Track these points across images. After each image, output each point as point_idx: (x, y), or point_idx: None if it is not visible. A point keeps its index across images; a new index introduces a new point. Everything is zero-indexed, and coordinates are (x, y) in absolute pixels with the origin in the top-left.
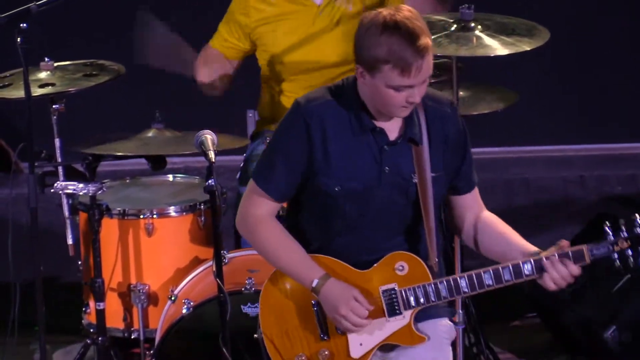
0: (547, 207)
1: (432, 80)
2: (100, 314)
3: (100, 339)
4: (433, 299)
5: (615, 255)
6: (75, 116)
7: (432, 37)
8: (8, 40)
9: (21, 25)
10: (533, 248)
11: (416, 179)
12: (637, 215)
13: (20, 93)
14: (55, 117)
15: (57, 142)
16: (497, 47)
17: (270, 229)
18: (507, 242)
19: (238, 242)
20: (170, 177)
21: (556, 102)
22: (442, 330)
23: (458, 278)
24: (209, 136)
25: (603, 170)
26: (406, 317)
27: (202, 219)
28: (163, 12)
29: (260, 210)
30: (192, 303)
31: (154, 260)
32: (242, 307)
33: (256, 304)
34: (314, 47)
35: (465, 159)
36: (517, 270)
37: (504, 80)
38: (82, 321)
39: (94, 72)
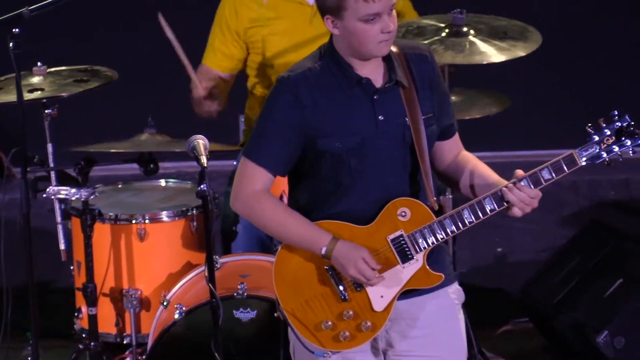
0: (539, 211)
1: None
2: (93, 319)
3: (92, 344)
4: (442, 236)
5: (604, 153)
6: (68, 121)
7: (426, 42)
8: (1, 45)
9: (13, 30)
10: (499, 178)
11: (409, 122)
12: (615, 111)
13: (10, 97)
14: (47, 122)
15: (49, 147)
16: (492, 53)
17: (270, 203)
18: (483, 178)
19: (228, 247)
20: (162, 182)
21: (549, 106)
22: (453, 297)
23: (460, 210)
24: (201, 141)
25: (596, 175)
26: (419, 260)
27: (194, 223)
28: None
29: (256, 186)
30: (184, 308)
31: (146, 265)
32: (234, 312)
33: (248, 309)
34: (309, 49)
35: (447, 102)
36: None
37: (497, 85)
38: (75, 326)
39: (85, 78)
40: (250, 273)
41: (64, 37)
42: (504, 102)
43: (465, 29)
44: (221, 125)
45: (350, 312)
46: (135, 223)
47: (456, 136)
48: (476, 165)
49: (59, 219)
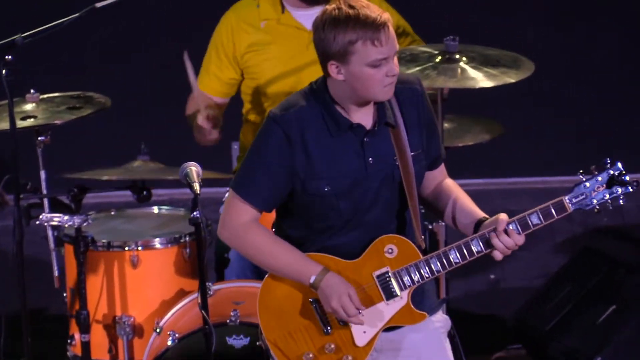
0: (532, 238)
1: None
2: (86, 346)
3: None
4: (427, 275)
5: (594, 201)
6: (61, 148)
7: (418, 68)
8: None
9: (6, 57)
10: (482, 214)
11: (398, 161)
12: (607, 159)
13: (2, 125)
14: (40, 149)
15: (42, 174)
16: (482, 78)
17: (259, 233)
18: (459, 208)
19: (221, 274)
20: (155, 209)
21: (541, 134)
22: (438, 325)
23: (447, 250)
24: (194, 168)
25: None
26: (404, 297)
27: (187, 250)
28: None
29: (245, 218)
30: (177, 335)
31: (139, 292)
32: (227, 338)
33: (241, 336)
34: (306, 75)
35: (436, 135)
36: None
37: (489, 112)
38: (68, 353)
39: (78, 105)
40: (243, 300)
41: (57, 64)
42: (496, 129)
43: (457, 56)
44: (214, 152)
45: (332, 346)
46: (128, 250)
47: (442, 166)
48: (459, 197)
49: (52, 245)
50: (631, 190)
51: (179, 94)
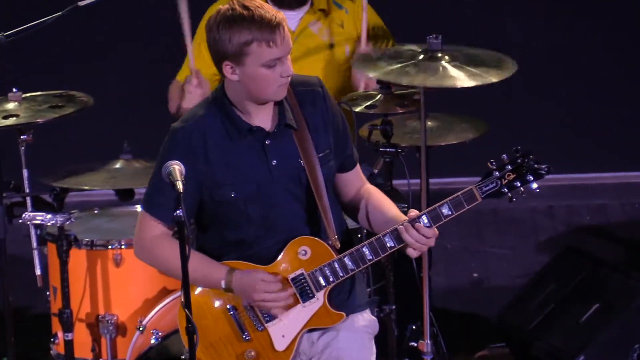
0: (515, 237)
1: (400, 111)
2: (69, 344)
3: None
4: (341, 274)
5: (505, 189)
6: (43, 146)
7: (399, 65)
8: None
9: None
10: (403, 217)
11: (303, 163)
12: (518, 147)
13: None
14: (23, 147)
15: (25, 172)
16: (463, 78)
17: (167, 245)
18: (379, 212)
19: None
20: (138, 208)
21: (525, 132)
22: (362, 324)
23: (360, 247)
24: (176, 167)
25: (572, 201)
26: (320, 298)
27: None
28: None
29: (154, 232)
30: (160, 333)
31: (123, 291)
32: None
33: None
34: None
35: (345, 135)
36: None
37: (474, 110)
38: (51, 352)
39: (61, 104)
40: None
41: (39, 62)
42: (480, 128)
43: (440, 54)
44: None
45: (252, 353)
46: (112, 249)
47: (357, 169)
48: (374, 198)
49: (34, 244)
50: (544, 174)
51: (161, 92)
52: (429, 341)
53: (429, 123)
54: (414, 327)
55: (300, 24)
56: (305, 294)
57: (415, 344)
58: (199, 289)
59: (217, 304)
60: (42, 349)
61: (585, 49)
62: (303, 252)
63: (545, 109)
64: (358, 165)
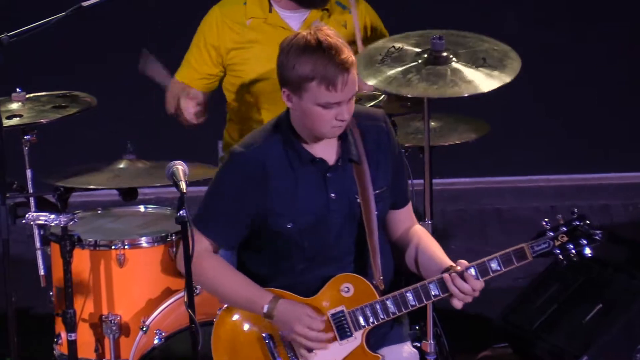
0: (518, 237)
1: (404, 112)
2: (72, 344)
3: None
4: (382, 317)
5: (557, 251)
6: (47, 147)
7: (402, 69)
8: None
9: None
10: (449, 262)
11: (359, 199)
12: (574, 209)
13: None
14: (26, 148)
15: (28, 173)
16: (464, 88)
17: (212, 262)
18: (427, 256)
19: None
20: (141, 208)
21: (528, 133)
22: (404, 356)
23: (404, 292)
24: (180, 167)
25: (574, 201)
26: (358, 337)
27: (174, 249)
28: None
29: (200, 248)
30: (163, 334)
31: (126, 291)
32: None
33: None
34: None
35: (402, 173)
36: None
37: (476, 110)
38: (54, 352)
39: (64, 104)
40: None
41: (43, 63)
42: (482, 128)
43: (445, 54)
44: (199, 150)
45: None
46: (115, 249)
47: (408, 207)
48: (424, 241)
49: (38, 244)
50: (598, 240)
51: (165, 92)
52: (432, 341)
53: (432, 123)
54: (417, 328)
55: (304, 25)
56: (343, 332)
57: (419, 344)
58: (236, 315)
59: (253, 330)
60: (46, 349)
61: (588, 49)
62: (346, 289)
63: (547, 109)
64: (410, 204)
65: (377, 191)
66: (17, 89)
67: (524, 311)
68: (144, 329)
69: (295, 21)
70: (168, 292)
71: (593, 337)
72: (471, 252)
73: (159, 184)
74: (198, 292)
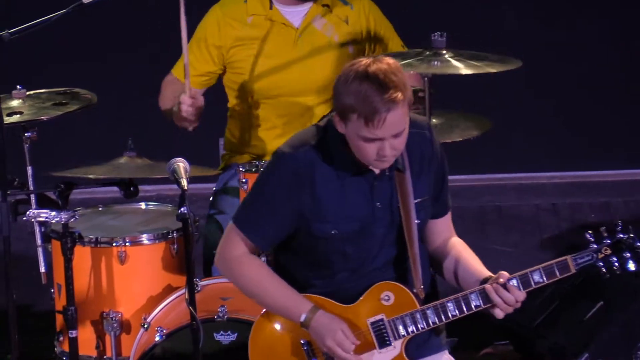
0: (519, 234)
1: None
2: (73, 342)
3: None
4: (422, 326)
5: (601, 263)
6: (47, 144)
7: (404, 62)
8: None
9: None
10: (487, 273)
11: (401, 207)
12: (619, 221)
13: None
14: (27, 145)
15: (29, 170)
16: (464, 67)
17: (253, 266)
18: (466, 268)
19: (209, 270)
20: (142, 205)
21: (529, 130)
22: None
23: (445, 302)
24: (181, 164)
25: (576, 198)
26: (397, 347)
27: (175, 246)
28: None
29: (240, 250)
30: (164, 331)
31: (127, 288)
32: (214, 334)
33: (229, 332)
34: (293, 72)
35: (444, 182)
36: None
37: (478, 107)
38: (55, 349)
39: (65, 101)
40: (231, 296)
41: (44, 60)
42: (484, 125)
43: (444, 51)
44: (201, 148)
45: None
46: (116, 246)
47: (447, 218)
48: (462, 252)
49: (39, 242)
50: None
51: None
52: None
53: (434, 120)
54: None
55: (305, 20)
56: (382, 340)
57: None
58: (274, 320)
59: (290, 336)
60: (47, 346)
61: (588, 47)
62: (386, 297)
63: (549, 106)
64: (449, 214)
65: (418, 200)
66: (18, 86)
67: (525, 309)
68: (145, 326)
69: (295, 17)
70: (169, 289)
71: (593, 335)
72: (472, 249)
73: (159, 175)
74: (199, 289)
